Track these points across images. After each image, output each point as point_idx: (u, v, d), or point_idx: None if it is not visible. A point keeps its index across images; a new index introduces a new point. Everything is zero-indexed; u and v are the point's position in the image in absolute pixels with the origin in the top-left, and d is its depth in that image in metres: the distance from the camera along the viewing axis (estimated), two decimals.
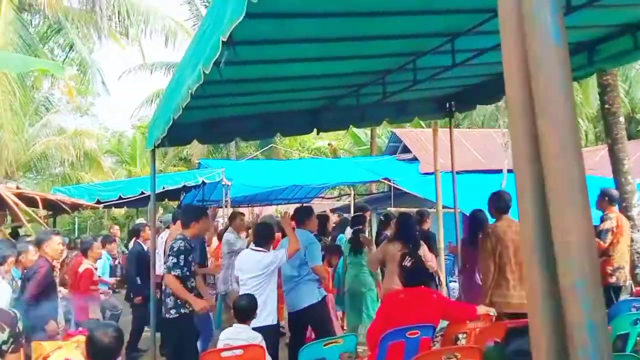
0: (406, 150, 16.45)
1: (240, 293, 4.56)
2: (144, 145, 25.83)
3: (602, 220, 5.82)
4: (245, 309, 3.97)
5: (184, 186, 11.38)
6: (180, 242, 4.61)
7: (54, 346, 3.80)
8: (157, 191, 10.64)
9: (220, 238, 7.94)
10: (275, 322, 4.62)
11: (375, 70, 5.16)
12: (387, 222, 7.00)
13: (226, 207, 11.25)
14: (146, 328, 6.94)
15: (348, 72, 5.05)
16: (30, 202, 7.40)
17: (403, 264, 3.77)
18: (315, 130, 6.55)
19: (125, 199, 10.67)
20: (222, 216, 12.66)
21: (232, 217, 7.56)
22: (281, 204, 14.60)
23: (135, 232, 8.07)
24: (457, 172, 8.09)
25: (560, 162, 0.85)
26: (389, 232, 6.47)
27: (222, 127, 6.00)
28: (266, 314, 4.48)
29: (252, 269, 4.60)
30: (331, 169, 14.18)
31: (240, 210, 15.18)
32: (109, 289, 7.59)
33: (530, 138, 0.90)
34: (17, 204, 6.96)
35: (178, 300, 4.53)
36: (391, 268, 4.87)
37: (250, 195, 14.30)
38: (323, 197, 17.25)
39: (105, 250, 7.99)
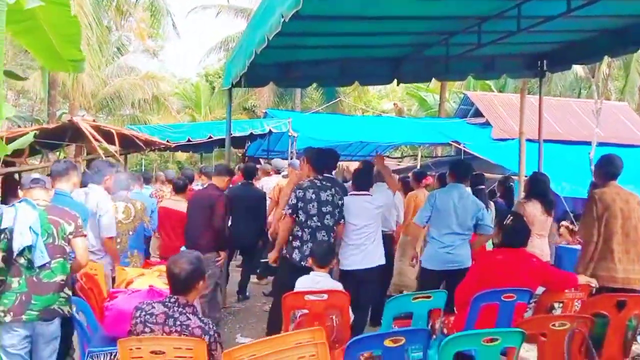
0: (478, 114, 15.74)
1: (352, 238, 4.47)
2: (208, 92, 26.22)
3: None
4: (325, 255, 3.88)
5: (251, 134, 11.35)
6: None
7: (137, 272, 3.86)
8: (219, 137, 10.77)
9: None
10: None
11: (472, 16, 4.75)
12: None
13: (291, 158, 11.18)
14: None
15: (441, 15, 4.68)
16: (105, 136, 7.55)
17: (504, 222, 3.50)
18: (395, 80, 6.25)
19: (193, 142, 10.80)
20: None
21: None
22: (345, 159, 14.36)
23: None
24: (529, 141, 7.60)
25: None
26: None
27: (299, 70, 5.82)
28: (381, 253, 4.57)
29: (366, 213, 4.51)
30: (398, 128, 13.75)
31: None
32: None
33: None
34: (93, 136, 7.12)
35: None
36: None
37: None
38: (387, 157, 16.92)
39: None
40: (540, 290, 3.61)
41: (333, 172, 5.48)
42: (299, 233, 4.36)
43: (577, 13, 4.31)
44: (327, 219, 4.37)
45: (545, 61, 6.45)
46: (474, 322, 3.34)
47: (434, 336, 3.50)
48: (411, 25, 4.88)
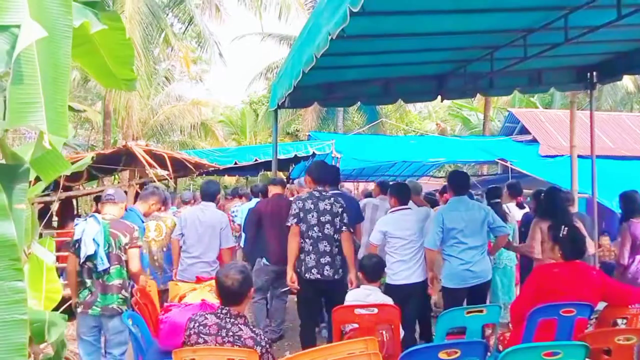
0: (524, 131, 15.44)
1: (400, 252, 4.46)
2: (252, 118, 26.77)
3: None
4: (375, 269, 3.87)
5: (295, 156, 11.50)
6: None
7: (189, 288, 3.97)
8: (264, 159, 10.97)
9: None
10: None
11: (517, 29, 4.72)
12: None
13: None
14: None
15: (485, 29, 4.68)
16: (157, 160, 7.81)
17: (560, 234, 3.38)
18: (439, 97, 6.24)
19: (239, 165, 11.03)
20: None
21: None
22: (388, 180, 14.32)
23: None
24: (579, 157, 7.35)
25: None
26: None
27: (343, 90, 5.90)
28: (422, 269, 4.50)
29: (410, 227, 4.52)
30: (442, 147, 13.63)
31: (346, 185, 15.21)
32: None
33: None
34: (146, 160, 7.37)
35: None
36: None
37: (358, 169, 14.20)
38: (431, 176, 16.75)
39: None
40: (601, 305, 3.45)
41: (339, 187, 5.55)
42: (302, 244, 4.33)
43: (626, 21, 4.21)
44: (328, 229, 4.32)
45: (595, 73, 6.30)
46: (532, 338, 3.22)
47: (489, 353, 3.41)
48: (455, 40, 4.89)
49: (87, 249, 3.70)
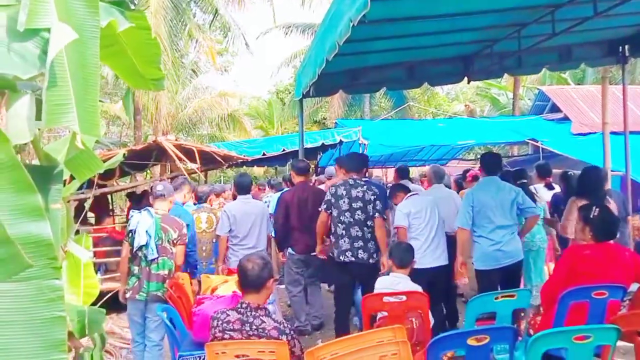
0: (555, 109, 15.00)
1: (418, 238, 4.56)
2: (280, 108, 26.85)
3: None
4: (404, 255, 3.86)
5: (322, 144, 11.49)
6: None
7: (221, 280, 4.05)
8: (292, 149, 11.00)
9: None
10: None
11: (544, 4, 4.58)
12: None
13: None
14: None
15: (511, 7, 4.55)
16: (187, 154, 7.93)
17: (591, 215, 3.30)
18: (465, 78, 6.13)
19: (267, 156, 11.10)
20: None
21: None
22: (416, 165, 14.20)
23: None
24: (613, 133, 7.10)
25: None
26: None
27: (367, 76, 5.86)
28: (446, 252, 4.67)
29: (431, 210, 4.67)
30: (470, 129, 13.39)
31: (375, 171, 15.12)
32: None
33: None
34: (176, 155, 7.49)
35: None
36: None
37: (386, 155, 14.11)
38: (461, 159, 16.52)
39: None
40: (635, 287, 3.37)
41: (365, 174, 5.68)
42: (334, 229, 4.58)
43: None
44: (358, 214, 4.50)
45: (627, 46, 6.09)
46: (563, 321, 3.17)
47: (520, 338, 3.37)
48: (480, 20, 4.79)
49: (140, 239, 4.10)
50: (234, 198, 6.21)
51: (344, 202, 4.52)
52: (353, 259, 4.47)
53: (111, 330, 6.05)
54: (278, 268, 6.77)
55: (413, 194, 4.87)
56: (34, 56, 1.08)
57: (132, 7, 1.61)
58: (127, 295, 4.23)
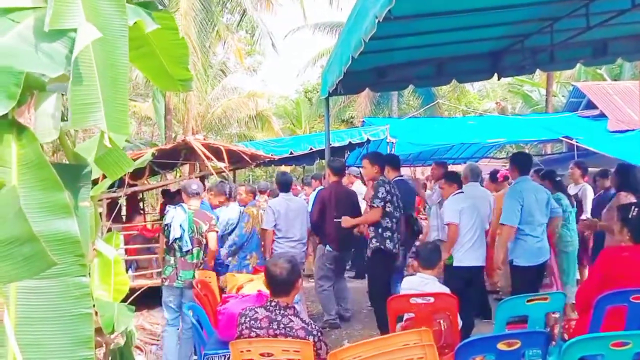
0: (590, 106, 14.58)
1: (464, 236, 4.62)
2: (308, 107, 26.90)
3: None
4: (431, 256, 3.77)
5: (349, 143, 11.43)
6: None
7: (246, 279, 4.06)
8: (319, 148, 10.99)
9: None
10: None
11: None
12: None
13: None
14: None
15: (542, 1, 4.42)
16: (215, 153, 7.99)
17: (629, 215, 3.17)
18: (495, 75, 5.99)
19: (295, 154, 11.10)
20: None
21: None
22: (448, 163, 13.98)
23: None
24: None
25: None
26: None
27: (394, 73, 5.78)
28: (484, 252, 4.72)
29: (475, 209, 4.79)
30: (502, 127, 13.09)
31: (402, 170, 14.93)
32: None
33: None
34: (204, 154, 7.56)
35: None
36: None
37: (414, 153, 13.94)
38: (491, 158, 16.19)
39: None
40: None
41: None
42: (389, 224, 4.82)
43: None
44: (398, 211, 4.94)
45: None
46: (599, 326, 3.04)
47: (553, 342, 3.26)
48: (510, 14, 4.66)
49: (174, 233, 4.51)
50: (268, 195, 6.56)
51: (395, 198, 4.88)
52: (396, 251, 4.94)
53: (141, 326, 6.15)
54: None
55: (459, 192, 4.90)
56: (62, 56, 1.08)
57: (161, 8, 1.61)
58: (165, 284, 4.62)
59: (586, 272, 6.11)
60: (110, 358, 1.75)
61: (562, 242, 5.58)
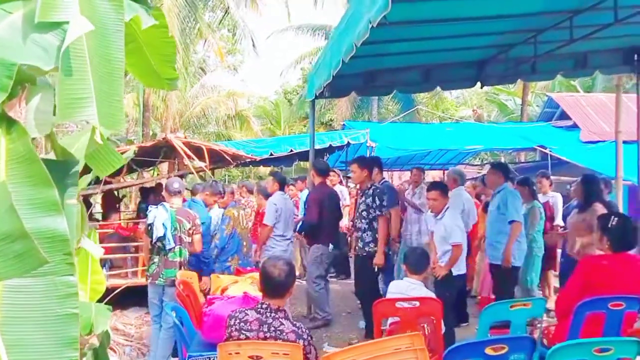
0: (563, 116, 14.92)
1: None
2: (288, 109, 26.82)
3: None
4: (419, 261, 3.80)
5: (330, 146, 11.44)
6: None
7: (231, 280, 4.02)
8: (300, 150, 10.98)
9: None
10: None
11: (563, 10, 4.54)
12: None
13: None
14: None
15: (529, 12, 4.50)
16: (195, 152, 7.90)
17: (609, 225, 3.25)
18: (479, 83, 6.09)
19: (275, 156, 11.05)
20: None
21: None
22: (425, 169, 14.14)
23: None
24: (623, 142, 7.03)
25: None
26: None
27: (381, 78, 5.82)
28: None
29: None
30: (479, 134, 13.31)
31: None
32: None
33: None
34: (185, 153, 7.46)
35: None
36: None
37: (392, 158, 14.05)
38: (467, 164, 16.44)
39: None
40: None
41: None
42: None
43: None
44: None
45: None
46: (578, 332, 3.12)
47: None
48: (497, 24, 4.74)
49: (157, 232, 4.53)
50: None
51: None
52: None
53: (114, 326, 6.03)
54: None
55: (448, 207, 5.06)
56: (55, 48, 1.05)
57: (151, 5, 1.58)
58: (149, 281, 4.70)
59: (550, 274, 6.44)
60: None
61: (537, 246, 5.82)
